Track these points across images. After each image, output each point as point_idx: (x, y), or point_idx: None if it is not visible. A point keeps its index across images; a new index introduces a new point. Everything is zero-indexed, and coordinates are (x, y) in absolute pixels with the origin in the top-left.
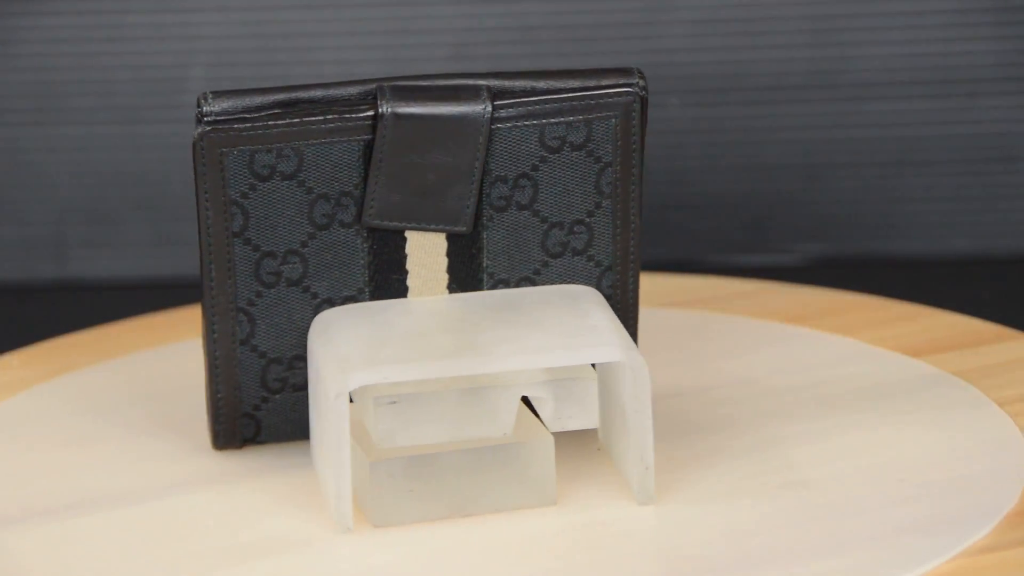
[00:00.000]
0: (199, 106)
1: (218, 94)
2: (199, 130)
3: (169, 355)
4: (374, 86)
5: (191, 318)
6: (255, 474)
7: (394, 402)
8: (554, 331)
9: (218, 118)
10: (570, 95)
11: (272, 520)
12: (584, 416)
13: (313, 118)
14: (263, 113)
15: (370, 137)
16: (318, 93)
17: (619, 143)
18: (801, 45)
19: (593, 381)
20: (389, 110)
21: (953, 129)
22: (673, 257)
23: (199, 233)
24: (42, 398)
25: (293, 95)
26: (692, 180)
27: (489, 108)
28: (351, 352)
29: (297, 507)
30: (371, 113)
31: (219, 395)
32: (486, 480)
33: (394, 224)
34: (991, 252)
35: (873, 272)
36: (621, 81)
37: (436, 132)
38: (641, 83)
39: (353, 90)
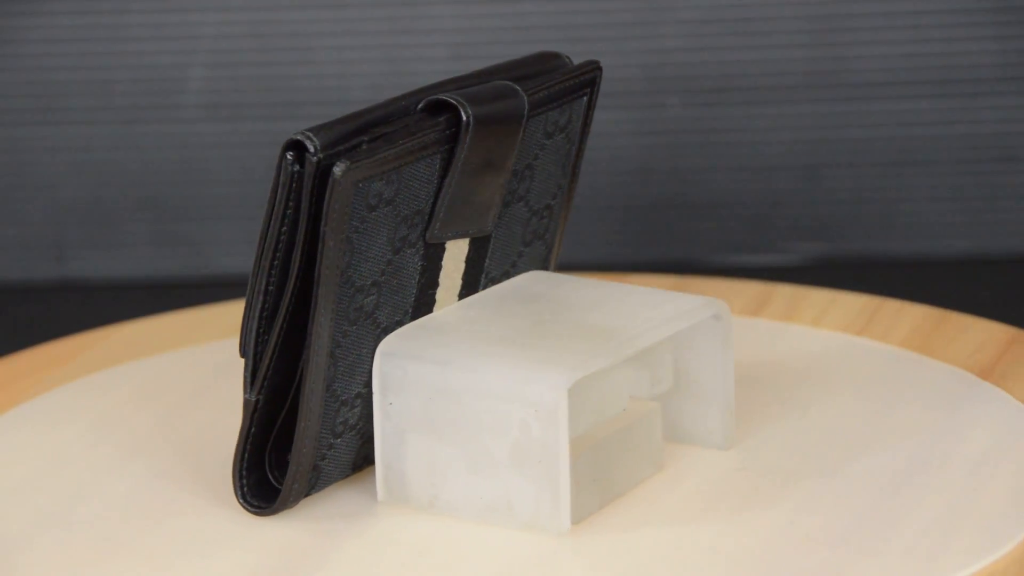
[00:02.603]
0: (299, 148)
1: (315, 130)
2: (340, 165)
3: (169, 364)
4: (418, 99)
5: (192, 321)
6: (350, 514)
7: None
8: (634, 303)
9: (338, 150)
10: (565, 79)
11: (468, 542)
12: (665, 380)
13: (411, 137)
14: (374, 139)
15: (447, 147)
16: (379, 113)
17: (582, 121)
18: (801, 45)
19: (669, 347)
20: (471, 115)
21: (953, 129)
22: (673, 257)
23: (267, 278)
24: (44, 444)
25: (361, 121)
26: (692, 180)
27: (526, 103)
28: (505, 361)
29: (458, 530)
30: (450, 122)
31: (304, 450)
32: (625, 459)
33: (448, 236)
34: (991, 252)
35: (873, 272)
36: (589, 61)
37: (499, 134)
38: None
39: (394, 108)
